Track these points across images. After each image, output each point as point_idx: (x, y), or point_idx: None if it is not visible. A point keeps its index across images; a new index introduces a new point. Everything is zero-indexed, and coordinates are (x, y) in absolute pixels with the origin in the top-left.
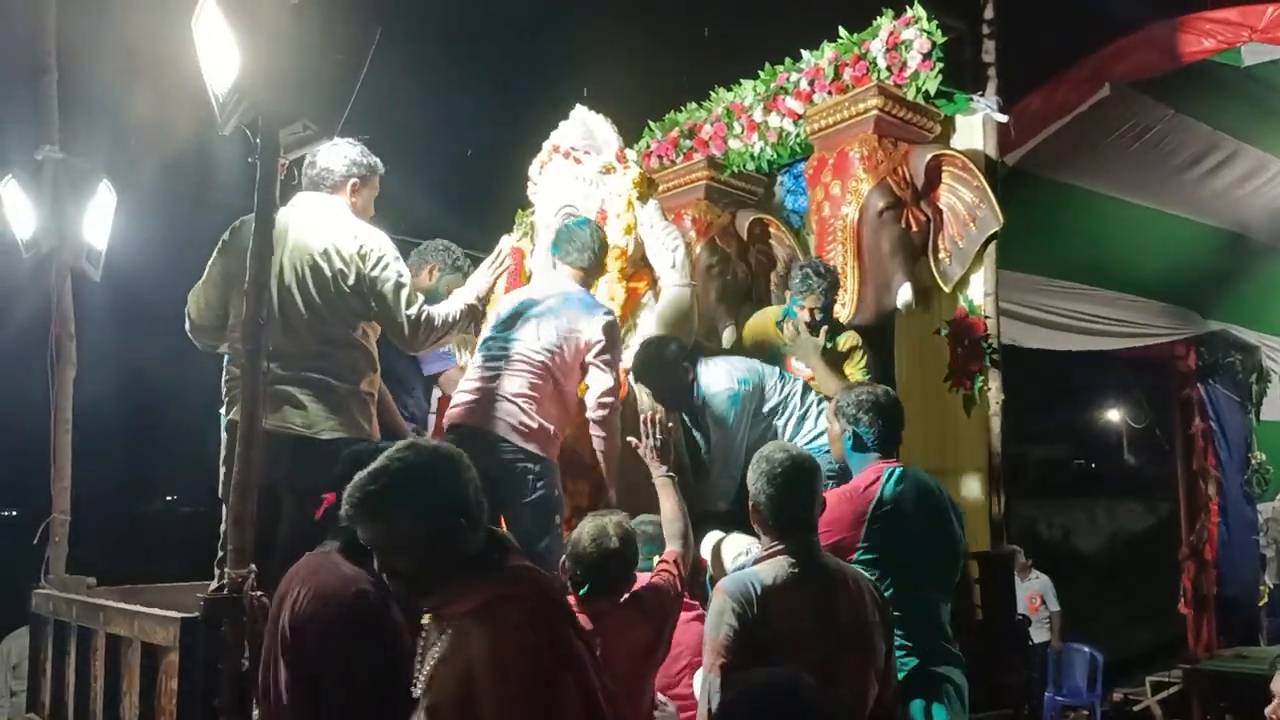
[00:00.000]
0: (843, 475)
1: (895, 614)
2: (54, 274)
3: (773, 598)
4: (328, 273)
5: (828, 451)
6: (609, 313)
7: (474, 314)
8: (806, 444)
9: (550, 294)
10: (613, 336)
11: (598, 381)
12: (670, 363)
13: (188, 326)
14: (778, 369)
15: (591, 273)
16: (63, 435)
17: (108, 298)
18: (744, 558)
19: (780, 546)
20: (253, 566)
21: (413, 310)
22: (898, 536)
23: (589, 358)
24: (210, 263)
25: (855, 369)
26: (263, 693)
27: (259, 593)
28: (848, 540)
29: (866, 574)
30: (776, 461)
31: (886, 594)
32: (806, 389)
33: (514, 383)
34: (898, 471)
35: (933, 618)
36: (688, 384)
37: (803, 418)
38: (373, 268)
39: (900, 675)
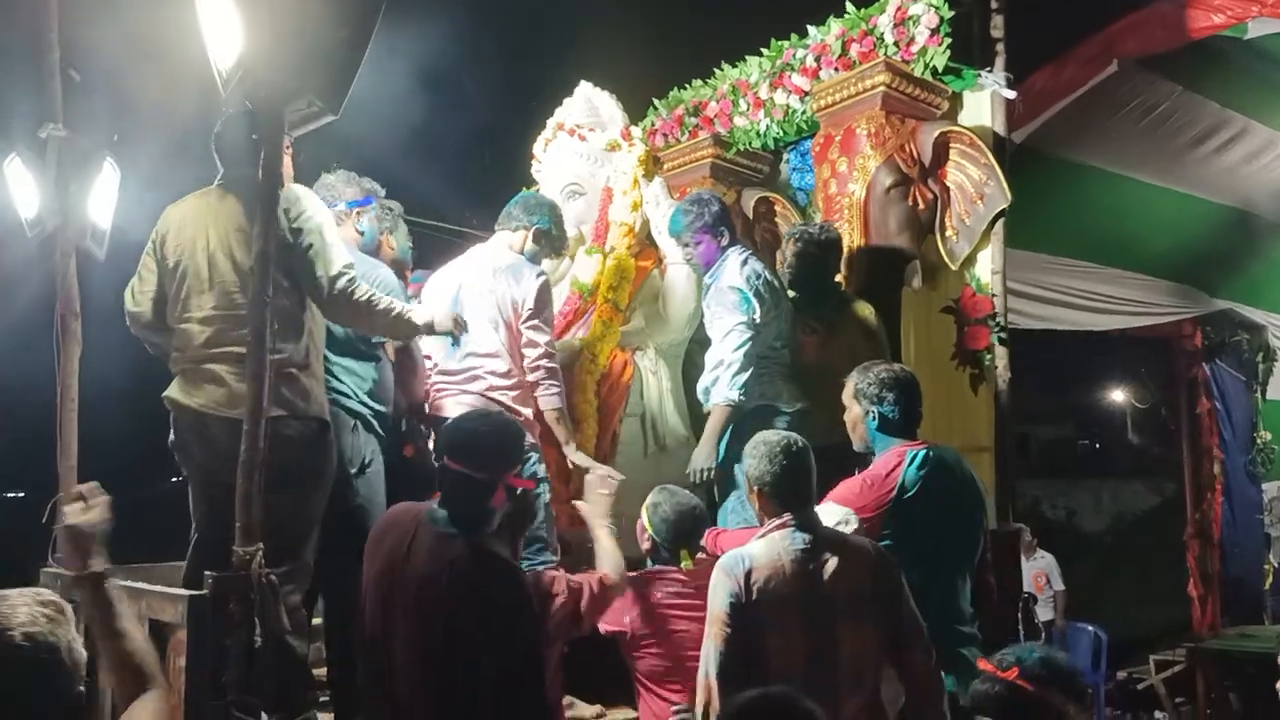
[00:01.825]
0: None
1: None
2: (59, 253)
3: (761, 574)
4: (248, 228)
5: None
6: (540, 274)
7: (402, 328)
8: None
9: (477, 271)
10: (543, 297)
11: (532, 343)
12: None
13: (131, 321)
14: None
15: (539, 239)
16: (69, 414)
17: (113, 277)
18: (845, 528)
19: (782, 521)
20: (260, 545)
21: (334, 270)
22: (919, 522)
23: (521, 324)
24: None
25: None
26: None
27: (267, 570)
28: (871, 528)
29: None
30: (774, 443)
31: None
32: None
33: (484, 380)
34: (920, 454)
35: (952, 599)
36: None
37: None
38: (295, 219)
39: None
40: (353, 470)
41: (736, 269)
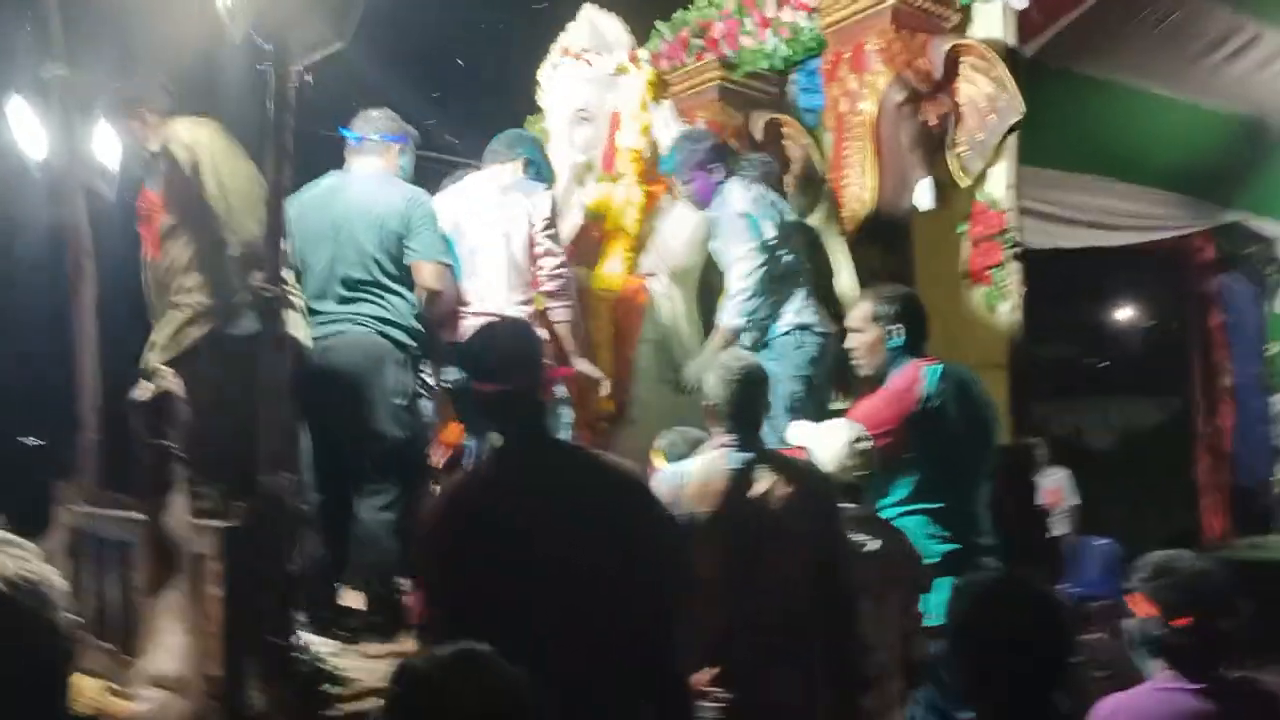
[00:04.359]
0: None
1: (937, 506)
2: (68, 193)
3: (696, 489)
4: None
5: None
6: (547, 187)
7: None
8: None
9: (481, 195)
10: (555, 210)
11: (550, 252)
12: None
13: None
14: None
15: (528, 169)
16: (88, 356)
17: (122, 216)
18: (859, 445)
19: (725, 441)
20: (289, 474)
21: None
22: (940, 433)
23: (538, 235)
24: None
25: None
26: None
27: (300, 499)
28: (895, 442)
29: (912, 473)
30: (731, 367)
31: (927, 488)
32: None
33: (500, 294)
34: (937, 369)
35: (971, 511)
36: None
37: None
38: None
39: (937, 559)
40: (404, 403)
41: (740, 194)
